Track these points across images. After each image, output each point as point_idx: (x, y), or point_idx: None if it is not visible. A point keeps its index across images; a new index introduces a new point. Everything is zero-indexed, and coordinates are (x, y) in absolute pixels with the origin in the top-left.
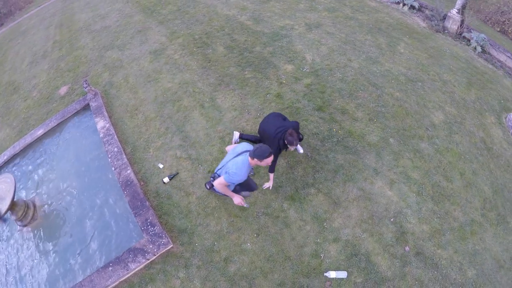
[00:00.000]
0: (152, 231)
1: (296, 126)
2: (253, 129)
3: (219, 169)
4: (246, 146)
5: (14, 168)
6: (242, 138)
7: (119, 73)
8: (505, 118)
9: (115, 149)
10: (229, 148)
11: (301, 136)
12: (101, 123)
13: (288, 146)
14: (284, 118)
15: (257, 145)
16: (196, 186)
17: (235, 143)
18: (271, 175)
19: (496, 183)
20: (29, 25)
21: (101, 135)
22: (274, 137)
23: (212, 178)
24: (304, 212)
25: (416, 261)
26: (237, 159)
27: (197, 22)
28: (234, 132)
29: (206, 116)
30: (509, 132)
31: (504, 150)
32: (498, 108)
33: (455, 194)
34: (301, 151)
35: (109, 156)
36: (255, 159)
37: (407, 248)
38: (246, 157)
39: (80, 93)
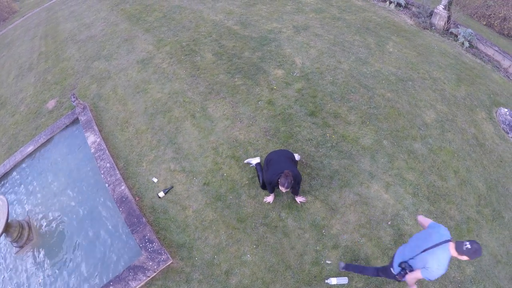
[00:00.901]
0: (150, 248)
1: (298, 176)
2: (246, 138)
3: (410, 259)
4: (444, 234)
5: (5, 186)
6: (256, 168)
7: (107, 85)
8: (496, 112)
9: (108, 164)
10: (422, 220)
11: (296, 188)
12: (92, 138)
13: (279, 186)
14: (295, 162)
15: (470, 242)
16: (192, 199)
17: (247, 162)
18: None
19: (489, 179)
20: (14, 36)
21: (93, 150)
22: (272, 176)
23: (401, 269)
24: (302, 220)
25: None
26: (437, 254)
27: (184, 28)
28: (257, 158)
29: (198, 127)
30: (500, 126)
31: (496, 145)
32: (488, 103)
33: (450, 193)
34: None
35: (102, 172)
36: (463, 255)
37: None
38: (447, 250)
39: (68, 107)
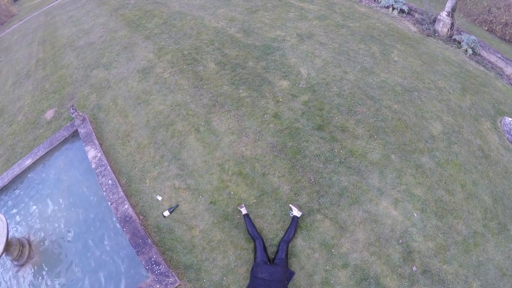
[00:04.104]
0: (157, 270)
1: None
2: (252, 154)
3: None
4: None
5: (3, 201)
6: (245, 218)
7: (107, 95)
8: (500, 122)
9: (110, 181)
10: None
11: None
12: (92, 152)
13: None
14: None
15: None
16: (198, 219)
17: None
18: None
19: (495, 191)
20: (12, 41)
21: (93, 165)
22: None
23: None
24: (312, 240)
25: (423, 279)
26: None
27: (185, 36)
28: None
29: (202, 142)
30: (504, 136)
31: (501, 156)
32: (493, 112)
33: (457, 207)
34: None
35: (104, 189)
36: None
37: (414, 268)
38: None
39: (67, 118)
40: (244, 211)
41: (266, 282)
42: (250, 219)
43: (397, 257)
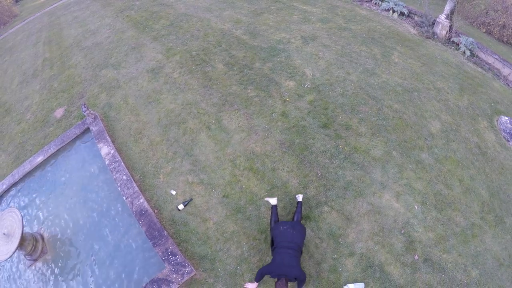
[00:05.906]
0: (174, 261)
1: (300, 276)
2: (262, 150)
3: None
4: None
5: (14, 197)
6: (273, 208)
7: (117, 94)
8: (497, 121)
9: (124, 177)
10: None
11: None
12: (105, 149)
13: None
14: (301, 250)
15: None
16: (212, 212)
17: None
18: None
19: (492, 186)
20: (16, 41)
21: (107, 162)
22: (272, 271)
23: None
24: (320, 230)
25: (425, 267)
26: None
27: (193, 37)
28: (274, 199)
29: (214, 139)
30: (501, 135)
31: (498, 153)
32: (490, 112)
33: (456, 201)
34: None
35: (118, 184)
36: None
37: (416, 257)
38: None
39: (77, 116)
40: (273, 202)
41: (289, 231)
42: (277, 210)
43: (399, 246)
